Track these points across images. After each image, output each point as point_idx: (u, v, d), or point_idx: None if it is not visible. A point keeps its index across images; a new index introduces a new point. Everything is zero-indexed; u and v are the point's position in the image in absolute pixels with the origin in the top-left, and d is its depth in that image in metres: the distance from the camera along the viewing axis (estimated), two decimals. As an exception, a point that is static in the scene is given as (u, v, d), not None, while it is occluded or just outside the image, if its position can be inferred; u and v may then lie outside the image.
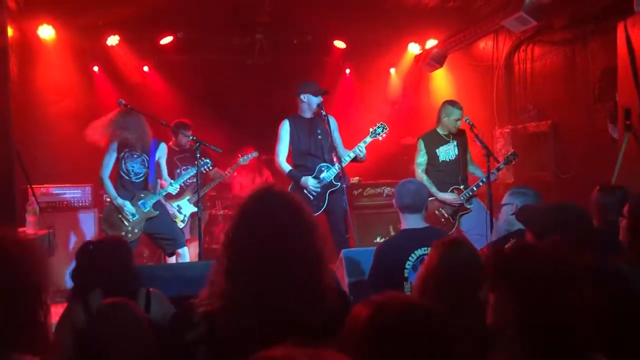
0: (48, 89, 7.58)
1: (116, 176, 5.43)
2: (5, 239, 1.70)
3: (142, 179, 5.51)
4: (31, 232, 4.43)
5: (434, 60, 7.89)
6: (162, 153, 5.67)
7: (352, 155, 5.58)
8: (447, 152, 5.86)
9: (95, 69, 8.11)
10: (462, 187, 5.80)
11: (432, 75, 8.65)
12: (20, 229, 4.41)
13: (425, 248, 3.36)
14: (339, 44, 8.51)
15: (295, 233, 1.83)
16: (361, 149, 5.58)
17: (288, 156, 5.74)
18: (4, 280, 1.61)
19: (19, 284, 1.64)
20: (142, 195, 5.46)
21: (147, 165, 5.50)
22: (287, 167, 5.68)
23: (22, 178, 4.78)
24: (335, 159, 5.61)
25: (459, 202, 5.72)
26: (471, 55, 8.30)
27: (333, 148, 5.60)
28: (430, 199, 5.69)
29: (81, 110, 7.58)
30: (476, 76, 8.12)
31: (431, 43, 8.21)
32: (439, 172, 5.84)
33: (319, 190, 5.56)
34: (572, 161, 6.49)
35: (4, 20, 4.10)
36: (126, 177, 5.43)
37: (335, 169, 5.58)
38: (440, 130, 5.92)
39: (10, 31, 6.69)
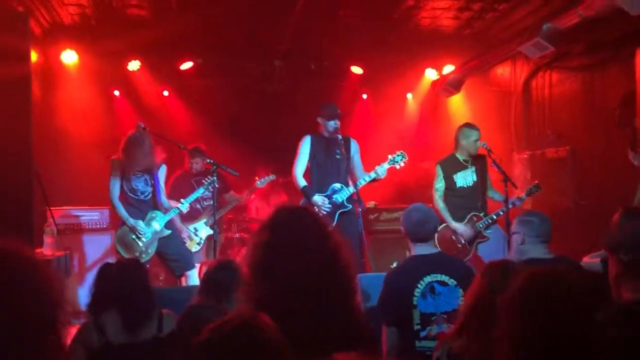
0: (70, 113, 7.71)
1: (124, 196, 5.48)
2: (21, 259, 1.72)
3: (149, 197, 5.56)
4: (48, 254, 4.47)
5: (451, 85, 7.90)
6: (162, 173, 5.73)
7: (368, 179, 5.60)
8: (466, 177, 5.77)
9: (116, 93, 8.25)
10: (481, 214, 5.69)
11: (449, 100, 8.64)
12: (38, 250, 4.46)
13: (435, 275, 3.31)
14: (356, 70, 8.57)
15: (322, 250, 1.82)
16: (379, 173, 5.60)
17: (305, 172, 5.79)
18: (19, 300, 1.62)
19: (34, 304, 1.64)
20: (154, 215, 5.51)
21: (150, 184, 5.55)
22: (302, 182, 5.72)
23: (41, 200, 4.84)
24: (350, 182, 5.62)
25: (471, 235, 5.60)
26: (489, 81, 8.30)
27: (349, 170, 5.61)
28: (445, 224, 5.66)
29: (101, 133, 7.71)
30: (494, 101, 8.11)
31: (448, 69, 8.23)
32: (457, 198, 5.75)
33: (329, 209, 5.56)
34: (591, 187, 6.41)
35: (27, 49, 4.20)
36: (134, 196, 5.49)
37: (348, 191, 5.62)
38: (459, 155, 5.83)
39: (34, 56, 6.87)
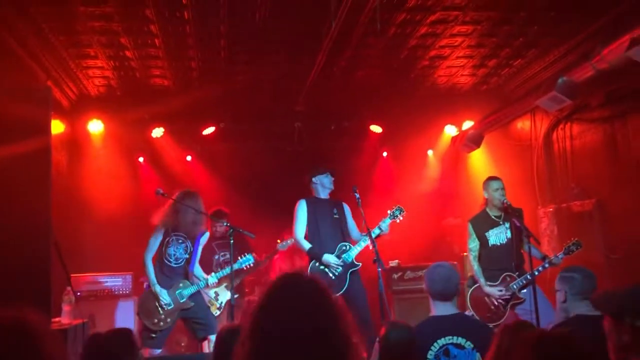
0: (96, 180, 7.90)
1: (157, 260, 5.47)
2: (22, 331, 1.71)
3: (182, 264, 5.53)
4: (66, 322, 4.47)
5: (471, 141, 7.89)
6: (203, 241, 5.73)
7: (373, 235, 5.51)
8: (498, 235, 5.52)
9: (141, 159, 8.44)
10: (515, 274, 5.37)
11: (469, 155, 8.61)
12: (56, 319, 4.47)
13: (451, 337, 3.20)
14: (375, 129, 8.65)
15: (322, 322, 1.74)
16: (382, 228, 5.62)
17: (305, 235, 5.81)
18: None
19: None
20: (181, 285, 5.47)
21: (189, 252, 5.54)
22: (306, 244, 5.73)
23: (60, 268, 4.90)
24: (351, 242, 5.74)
25: (505, 297, 5.34)
26: (509, 135, 8.26)
27: (347, 234, 5.75)
28: (479, 285, 5.49)
29: (126, 199, 7.85)
30: (515, 155, 8.04)
31: (467, 124, 8.25)
32: (490, 257, 5.51)
33: (340, 269, 5.51)
34: (621, 241, 6.21)
35: (48, 121, 4.36)
36: (167, 262, 5.46)
37: (355, 249, 5.64)
38: (490, 212, 5.62)
39: (61, 126, 7.15)
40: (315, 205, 5.85)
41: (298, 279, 1.87)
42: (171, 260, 5.47)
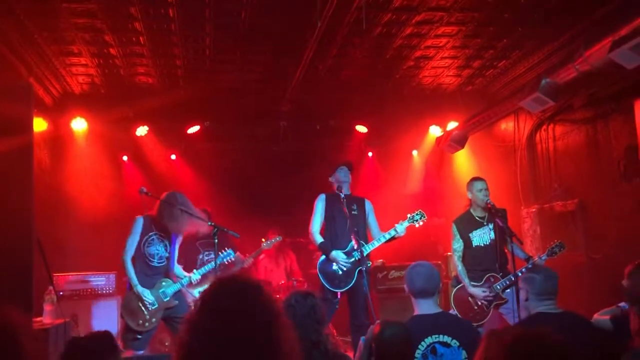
0: (79, 178, 7.82)
1: (137, 260, 5.34)
2: (5, 324, 1.70)
3: (164, 263, 5.47)
4: (48, 322, 4.41)
5: (455, 141, 7.93)
6: (179, 239, 5.68)
7: (388, 236, 5.61)
8: (482, 236, 5.54)
9: (125, 158, 8.38)
10: (499, 274, 5.39)
11: (454, 156, 8.67)
12: (37, 319, 4.41)
13: (437, 335, 3.22)
14: (361, 129, 8.67)
15: (247, 328, 1.67)
16: (398, 231, 5.61)
17: (322, 229, 5.82)
18: None
19: None
20: (164, 283, 5.41)
21: (168, 250, 5.50)
22: (319, 238, 5.73)
23: (42, 267, 4.84)
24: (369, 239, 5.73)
25: (489, 297, 5.36)
26: (493, 136, 8.33)
27: (363, 233, 5.71)
28: (462, 285, 5.52)
29: (110, 198, 7.79)
30: (499, 156, 8.11)
31: (452, 125, 8.30)
32: (473, 257, 5.53)
33: (349, 266, 5.51)
34: (602, 241, 6.29)
35: (30, 119, 4.30)
36: (148, 262, 5.38)
37: (367, 248, 5.62)
38: (474, 212, 5.63)
39: (44, 124, 7.07)
40: (334, 201, 5.82)
41: (231, 282, 1.81)
42: (153, 259, 5.39)
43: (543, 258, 5.28)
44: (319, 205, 5.87)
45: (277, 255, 7.95)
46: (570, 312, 3.44)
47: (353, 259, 5.57)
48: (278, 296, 6.63)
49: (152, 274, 5.40)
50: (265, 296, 1.75)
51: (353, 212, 5.72)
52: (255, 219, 7.75)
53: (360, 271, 5.54)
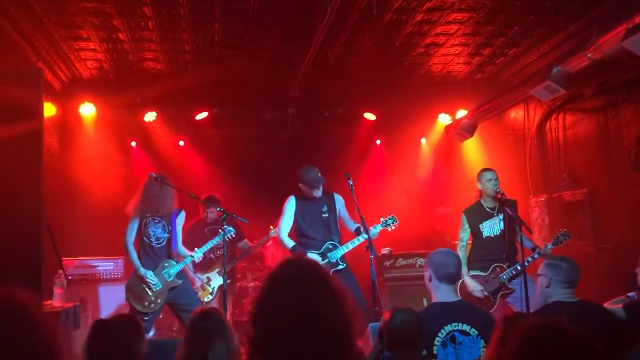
0: (87, 164, 7.84)
1: (138, 243, 5.46)
2: (18, 310, 1.70)
3: (164, 244, 5.53)
4: (57, 305, 4.45)
5: (464, 130, 7.88)
6: (180, 220, 5.72)
7: (362, 239, 5.49)
8: (492, 227, 5.51)
9: (133, 144, 8.39)
10: (505, 264, 5.36)
11: (463, 144, 8.62)
12: (47, 302, 4.45)
13: (457, 323, 3.22)
14: (369, 116, 8.62)
15: (327, 303, 1.74)
16: (372, 233, 5.45)
17: (292, 232, 5.72)
18: (14, 352, 1.61)
19: (32, 354, 1.62)
20: (166, 264, 5.47)
21: (167, 230, 5.54)
22: (289, 242, 5.65)
23: (52, 251, 4.88)
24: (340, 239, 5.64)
25: (478, 292, 5.35)
26: (502, 124, 8.28)
27: (336, 232, 5.65)
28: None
29: (118, 184, 7.81)
30: (508, 145, 8.07)
31: (461, 113, 8.25)
32: (482, 247, 5.52)
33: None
34: (611, 230, 6.27)
35: (39, 103, 4.31)
36: (147, 242, 5.47)
37: (342, 250, 5.58)
38: (484, 203, 5.59)
39: (53, 109, 7.08)
40: (304, 202, 5.74)
41: (300, 263, 1.87)
42: (152, 240, 5.48)
43: (549, 247, 5.27)
44: (289, 208, 5.75)
45: (284, 242, 7.96)
46: (587, 301, 3.43)
47: (327, 260, 5.55)
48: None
49: (154, 255, 5.48)
50: (329, 276, 1.82)
51: (324, 215, 5.70)
52: (263, 205, 7.75)
53: (335, 272, 5.48)
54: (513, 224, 5.25)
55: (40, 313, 1.72)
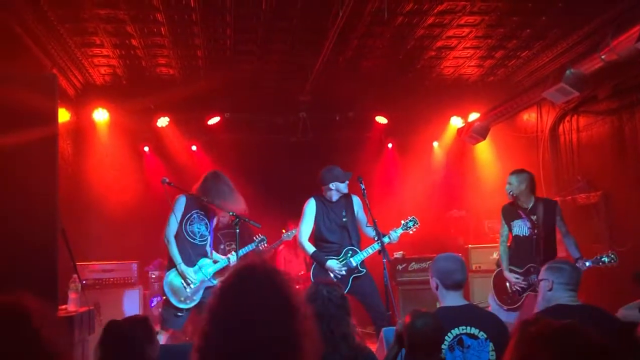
0: (101, 169, 7.91)
1: (178, 238, 5.29)
2: (23, 318, 1.71)
3: (205, 242, 5.45)
4: (72, 309, 4.48)
5: (477, 133, 7.85)
6: (214, 222, 5.67)
7: (376, 247, 5.38)
8: (521, 227, 5.46)
9: (146, 149, 8.44)
10: (540, 267, 5.35)
11: (475, 147, 8.58)
12: (62, 307, 4.48)
13: (464, 327, 3.19)
14: (381, 120, 8.62)
15: (266, 319, 1.62)
16: (392, 238, 5.45)
17: (312, 236, 5.60)
18: (15, 357, 1.62)
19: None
20: (204, 263, 5.37)
21: (209, 230, 5.52)
22: (310, 248, 5.53)
23: (67, 256, 4.91)
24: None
25: (520, 284, 5.32)
26: (515, 127, 8.23)
27: (355, 237, 5.54)
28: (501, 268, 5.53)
29: (131, 188, 7.86)
30: (521, 148, 8.01)
31: (473, 116, 8.22)
32: (516, 245, 5.50)
33: (343, 274, 5.43)
34: (627, 233, 6.19)
35: (54, 109, 4.35)
36: (191, 240, 5.34)
37: (361, 255, 5.47)
38: (518, 202, 5.48)
39: (66, 115, 7.15)
40: (325, 206, 5.61)
41: (253, 270, 1.74)
42: (196, 238, 5.36)
43: (587, 264, 5.14)
44: (309, 211, 5.59)
45: (296, 246, 7.91)
46: (590, 305, 3.40)
47: (348, 266, 5.44)
48: (297, 287, 6.63)
49: (194, 252, 5.33)
50: (286, 286, 1.70)
51: (344, 219, 5.57)
52: (275, 210, 7.77)
53: (355, 278, 5.44)
54: (548, 227, 5.26)
55: (43, 322, 1.71)
